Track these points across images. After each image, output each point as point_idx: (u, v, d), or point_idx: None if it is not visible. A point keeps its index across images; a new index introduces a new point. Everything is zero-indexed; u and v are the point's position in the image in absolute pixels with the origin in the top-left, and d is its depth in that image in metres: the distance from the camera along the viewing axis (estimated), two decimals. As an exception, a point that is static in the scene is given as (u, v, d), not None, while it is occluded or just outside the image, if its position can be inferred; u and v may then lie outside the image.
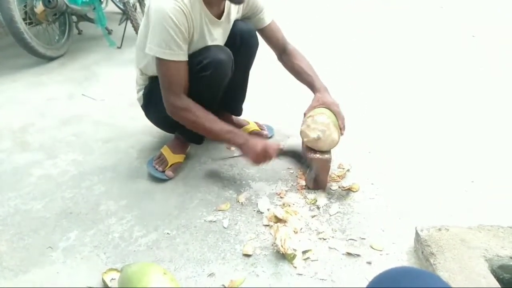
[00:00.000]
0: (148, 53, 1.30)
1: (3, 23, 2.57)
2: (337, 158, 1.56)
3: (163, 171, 1.52)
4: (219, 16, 1.38)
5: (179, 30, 1.23)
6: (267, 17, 1.53)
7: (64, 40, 3.08)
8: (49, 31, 3.01)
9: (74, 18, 3.29)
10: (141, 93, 1.55)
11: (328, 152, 1.40)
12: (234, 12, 1.45)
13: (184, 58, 1.29)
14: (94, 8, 3.07)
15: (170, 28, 1.21)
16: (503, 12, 3.87)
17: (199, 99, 1.37)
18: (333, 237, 1.22)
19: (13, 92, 2.41)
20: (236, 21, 1.48)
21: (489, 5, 4.17)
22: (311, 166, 1.38)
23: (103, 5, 3.33)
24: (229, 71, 1.40)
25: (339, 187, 1.44)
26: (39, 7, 2.74)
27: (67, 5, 2.73)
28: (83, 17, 3.27)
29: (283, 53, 1.59)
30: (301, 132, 1.42)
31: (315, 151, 1.40)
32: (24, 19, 2.69)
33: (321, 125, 1.36)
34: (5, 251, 1.22)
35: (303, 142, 1.47)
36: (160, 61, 1.28)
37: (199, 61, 1.32)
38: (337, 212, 1.32)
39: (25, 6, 2.77)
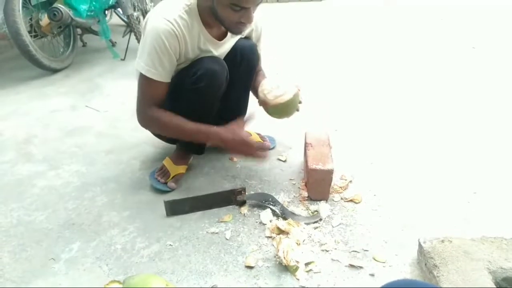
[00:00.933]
0: (135, 67, 1.34)
1: (9, 36, 2.61)
2: (339, 169, 1.57)
3: (165, 183, 1.52)
4: (220, 37, 1.40)
5: (168, 53, 1.27)
6: (260, 45, 1.61)
7: (69, 52, 3.13)
8: (53, 43, 3.05)
9: (79, 30, 3.34)
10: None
11: (330, 163, 1.40)
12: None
13: (166, 80, 1.34)
14: (99, 21, 3.11)
15: (159, 50, 1.25)
16: (503, 23, 3.90)
17: (195, 111, 1.39)
18: (335, 248, 1.22)
19: (17, 103, 2.43)
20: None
21: (489, 17, 4.21)
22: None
23: (107, 18, 3.39)
24: (223, 81, 1.41)
25: (341, 198, 1.44)
26: (45, 20, 2.79)
27: (72, 18, 2.77)
28: (87, 30, 3.32)
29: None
30: (261, 98, 1.41)
31: (317, 162, 1.40)
32: (30, 32, 2.73)
33: (272, 86, 1.39)
34: (7, 263, 1.22)
35: (305, 156, 1.47)
36: (142, 76, 1.32)
37: (194, 73, 1.33)
38: (340, 224, 1.32)
39: (30, 19, 2.81)
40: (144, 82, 1.33)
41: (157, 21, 1.25)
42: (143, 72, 1.31)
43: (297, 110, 1.47)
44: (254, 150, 1.36)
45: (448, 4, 4.89)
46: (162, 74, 1.31)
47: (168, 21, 1.24)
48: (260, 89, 1.41)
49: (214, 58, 1.38)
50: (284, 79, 1.43)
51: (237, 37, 1.49)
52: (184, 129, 1.35)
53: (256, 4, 1.23)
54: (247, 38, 1.55)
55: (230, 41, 1.46)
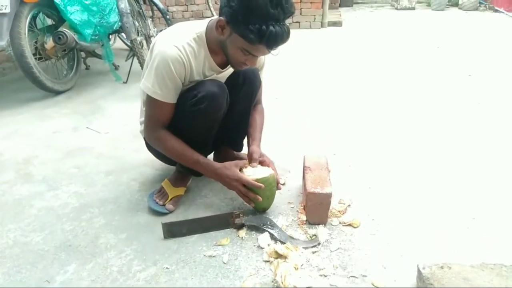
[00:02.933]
0: (141, 87, 1.39)
1: (14, 58, 2.67)
2: (338, 193, 1.57)
3: (164, 205, 1.52)
4: (223, 65, 1.45)
5: (174, 78, 1.32)
6: (263, 75, 1.64)
7: (72, 75, 3.18)
8: (57, 66, 3.11)
9: (83, 54, 3.41)
10: (143, 125, 1.59)
11: (328, 187, 1.40)
12: None
13: (172, 101, 1.38)
14: (102, 45, 3.18)
15: (166, 74, 1.30)
16: (499, 51, 3.98)
17: (195, 133, 1.42)
18: (334, 273, 1.20)
19: (19, 124, 2.46)
20: None
21: (485, 45, 4.30)
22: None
23: (111, 42, 3.47)
24: (223, 103, 1.44)
25: (340, 222, 1.44)
26: (49, 43, 2.85)
27: (76, 42, 2.83)
28: (91, 53, 3.39)
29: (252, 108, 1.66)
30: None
31: (315, 186, 1.40)
32: (34, 54, 2.79)
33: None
34: (1, 284, 1.20)
35: (303, 179, 1.48)
36: (150, 98, 1.37)
37: (194, 95, 1.36)
38: (338, 248, 1.31)
39: (36, 42, 2.88)
40: (151, 102, 1.38)
41: (166, 46, 1.29)
42: (149, 93, 1.35)
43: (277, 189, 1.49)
44: (242, 193, 1.42)
45: (444, 33, 5.01)
46: (167, 96, 1.35)
47: (176, 47, 1.29)
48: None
49: (214, 81, 1.41)
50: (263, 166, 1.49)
51: None
52: (185, 157, 1.42)
53: (264, 54, 1.29)
54: None
55: (232, 70, 1.50)
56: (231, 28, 1.23)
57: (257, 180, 1.39)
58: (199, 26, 1.36)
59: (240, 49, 1.25)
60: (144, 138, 1.57)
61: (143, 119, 1.58)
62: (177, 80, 1.33)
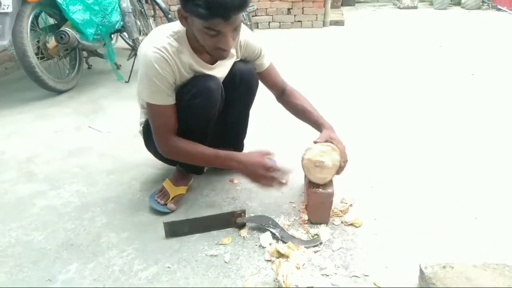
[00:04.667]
0: (138, 95, 1.37)
1: (16, 57, 2.67)
2: (340, 193, 1.56)
3: (165, 204, 1.52)
4: (212, 62, 1.41)
5: (163, 78, 1.29)
6: (266, 61, 1.57)
7: (74, 74, 3.18)
8: (59, 65, 3.11)
9: (85, 53, 3.41)
10: (142, 126, 1.58)
11: (330, 186, 1.40)
12: (231, 58, 1.47)
13: (171, 102, 1.35)
14: (104, 44, 3.18)
15: (154, 77, 1.28)
16: (501, 50, 3.97)
17: (191, 129, 1.40)
18: (336, 273, 1.20)
19: (21, 123, 2.46)
20: (235, 61, 1.51)
21: (487, 44, 4.28)
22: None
23: (113, 42, 3.47)
24: (218, 97, 1.41)
25: (341, 222, 1.43)
26: (52, 43, 2.85)
27: (78, 41, 2.84)
28: (93, 53, 3.39)
29: (282, 94, 1.61)
30: (304, 168, 1.39)
31: (317, 185, 1.40)
32: (37, 54, 2.79)
33: (320, 152, 1.36)
34: (3, 283, 1.20)
35: (305, 179, 1.47)
36: (149, 105, 1.34)
37: (188, 90, 1.35)
38: (340, 248, 1.31)
39: (38, 41, 2.88)
40: (152, 111, 1.35)
41: (147, 50, 1.28)
42: (148, 100, 1.33)
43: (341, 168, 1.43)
44: (272, 178, 1.33)
45: (446, 32, 4.99)
46: (164, 98, 1.32)
47: (157, 48, 1.27)
48: (309, 153, 1.38)
49: (208, 76, 1.39)
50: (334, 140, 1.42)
51: (231, 60, 1.49)
52: (205, 156, 1.36)
53: (231, 28, 1.19)
54: (247, 61, 1.55)
55: (223, 65, 1.46)
56: (187, 12, 1.18)
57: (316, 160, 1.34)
58: (177, 25, 1.32)
59: (202, 31, 1.18)
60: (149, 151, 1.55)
61: (143, 120, 1.58)
62: (167, 79, 1.30)
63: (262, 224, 1.39)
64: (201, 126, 1.44)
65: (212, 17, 1.12)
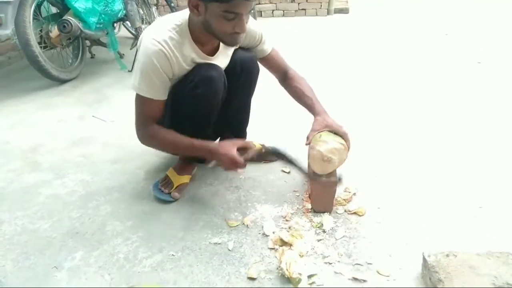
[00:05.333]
0: (131, 88, 1.35)
1: (19, 46, 2.67)
2: (343, 182, 1.56)
3: (169, 193, 1.53)
4: (212, 53, 1.41)
5: (160, 73, 1.29)
6: (267, 47, 1.57)
7: (77, 64, 3.17)
8: (62, 54, 3.11)
9: (88, 42, 3.39)
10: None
11: (333, 175, 1.40)
12: (231, 47, 1.47)
13: (161, 98, 1.35)
14: (107, 33, 3.17)
15: (151, 71, 1.28)
16: (508, 38, 3.91)
17: (193, 118, 1.41)
18: (339, 261, 1.21)
19: (25, 113, 2.47)
20: (236, 49, 1.50)
21: (494, 31, 4.22)
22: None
23: (115, 30, 3.45)
24: (221, 86, 1.41)
25: (345, 210, 1.44)
26: (54, 32, 2.84)
27: (81, 30, 2.82)
28: (96, 42, 3.37)
29: (285, 78, 1.61)
30: (312, 157, 1.38)
31: (321, 174, 1.40)
32: (39, 43, 2.78)
33: (333, 149, 1.34)
34: (10, 271, 1.22)
35: (309, 167, 1.47)
36: (137, 96, 1.34)
37: (191, 80, 1.35)
38: (343, 236, 1.31)
39: (40, 30, 2.87)
40: (138, 101, 1.36)
41: (148, 42, 1.27)
42: (136, 91, 1.33)
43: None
44: (235, 166, 1.35)
45: (453, 19, 4.92)
46: (155, 93, 1.33)
47: (158, 42, 1.26)
48: (316, 151, 1.36)
49: (210, 65, 1.39)
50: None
51: (231, 50, 1.48)
52: (180, 144, 1.38)
53: (248, 10, 1.22)
54: (247, 48, 1.55)
55: (223, 54, 1.46)
56: (201, 0, 1.20)
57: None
58: (181, 17, 1.32)
59: (221, 16, 1.20)
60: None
61: None
62: (163, 75, 1.30)
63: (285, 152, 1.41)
64: (204, 116, 1.44)
65: None
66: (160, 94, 1.34)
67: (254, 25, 1.49)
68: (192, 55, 1.35)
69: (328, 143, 1.35)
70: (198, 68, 1.37)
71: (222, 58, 1.46)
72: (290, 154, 1.62)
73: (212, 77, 1.36)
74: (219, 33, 1.26)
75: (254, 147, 1.43)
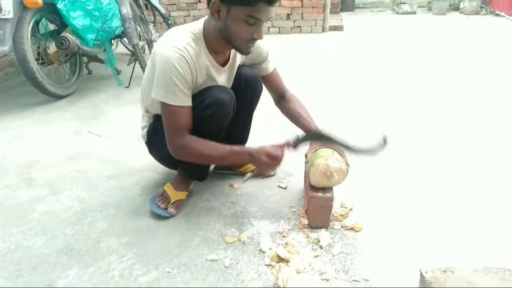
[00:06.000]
0: (154, 97, 1.34)
1: (17, 63, 2.68)
2: (340, 197, 1.57)
3: (166, 208, 1.52)
4: (223, 64, 1.44)
5: (183, 78, 1.29)
6: (270, 66, 1.60)
7: (74, 80, 3.19)
8: (60, 70, 3.12)
9: (85, 58, 3.42)
10: (145, 130, 1.59)
11: (330, 190, 1.40)
12: (238, 60, 1.51)
13: (188, 103, 1.34)
14: (105, 50, 3.20)
15: (174, 77, 1.27)
16: (500, 55, 3.98)
17: (202, 137, 1.40)
18: (336, 278, 1.20)
19: (21, 129, 2.47)
20: (240, 65, 1.53)
21: (486, 48, 4.30)
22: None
23: (113, 47, 3.48)
24: (230, 110, 1.43)
25: (342, 226, 1.44)
26: (52, 48, 2.86)
27: (79, 47, 2.84)
28: (93, 58, 3.40)
29: (282, 99, 1.64)
30: (312, 177, 1.39)
31: (317, 189, 1.40)
32: (37, 59, 2.81)
33: (330, 163, 1.36)
34: (3, 289, 1.20)
35: (306, 182, 1.48)
36: (165, 106, 1.32)
37: (201, 101, 1.36)
38: (340, 252, 1.31)
39: (38, 47, 2.90)
40: (167, 111, 1.33)
41: (168, 50, 1.28)
42: (164, 100, 1.31)
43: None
44: (280, 162, 1.36)
45: (444, 37, 5.02)
46: (183, 99, 1.31)
47: (178, 48, 1.27)
48: (314, 168, 1.37)
49: (222, 88, 1.41)
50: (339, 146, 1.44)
51: (237, 64, 1.51)
52: (219, 151, 1.36)
53: (267, 17, 1.25)
54: (251, 65, 1.57)
55: (231, 67, 1.49)
56: (226, 4, 1.22)
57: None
58: (195, 26, 1.35)
59: (243, 20, 1.22)
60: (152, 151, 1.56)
61: (145, 123, 1.58)
62: (187, 80, 1.30)
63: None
64: (211, 136, 1.44)
65: (258, 1, 1.18)
66: (187, 100, 1.33)
67: (262, 43, 1.53)
68: (207, 63, 1.37)
69: (331, 160, 1.37)
70: (210, 89, 1.38)
71: (230, 71, 1.49)
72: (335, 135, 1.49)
73: (223, 100, 1.37)
74: (236, 38, 1.28)
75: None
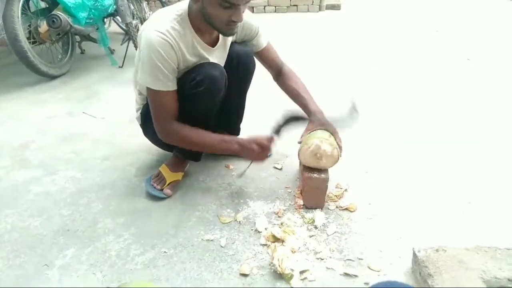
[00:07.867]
0: (139, 82, 1.35)
1: (7, 42, 2.62)
2: (335, 178, 1.57)
3: (161, 189, 1.52)
4: (212, 44, 1.41)
5: (167, 62, 1.28)
6: (263, 40, 1.57)
7: (67, 59, 3.14)
8: (52, 50, 3.07)
9: (77, 37, 3.36)
10: (139, 112, 1.57)
11: (325, 171, 1.41)
12: (230, 38, 1.48)
13: (173, 87, 1.34)
14: (97, 29, 3.13)
15: (157, 61, 1.26)
16: (498, 35, 3.95)
17: (194, 116, 1.40)
18: (330, 257, 1.22)
19: (14, 109, 2.44)
20: (233, 43, 1.51)
21: (483, 28, 4.27)
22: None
23: (106, 26, 3.41)
24: (222, 86, 1.42)
25: (336, 206, 1.45)
26: (43, 27, 2.80)
27: (71, 25, 2.79)
28: (86, 37, 3.34)
29: (279, 74, 1.61)
30: (301, 154, 1.41)
31: (312, 170, 1.41)
32: (28, 38, 2.74)
33: (323, 146, 1.36)
34: (0, 269, 1.21)
35: (300, 164, 1.48)
36: (150, 91, 1.33)
37: (193, 78, 1.34)
38: (335, 232, 1.32)
39: (29, 25, 2.83)
40: (153, 96, 1.34)
41: (150, 34, 1.26)
42: (149, 85, 1.31)
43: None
44: (268, 152, 1.41)
45: (443, 16, 4.96)
46: (167, 83, 1.31)
47: (161, 32, 1.25)
48: (305, 148, 1.38)
49: (213, 64, 1.39)
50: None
51: (229, 41, 1.49)
52: (208, 139, 1.39)
53: (245, 1, 1.22)
54: (244, 42, 1.55)
55: (223, 47, 1.47)
56: None
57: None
58: (180, 7, 1.32)
59: (217, 4, 1.20)
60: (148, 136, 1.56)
61: (139, 106, 1.57)
62: (171, 64, 1.29)
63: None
64: (204, 114, 1.44)
65: None
66: (171, 85, 1.33)
67: (251, 18, 1.50)
68: (194, 44, 1.35)
69: (325, 143, 1.37)
70: (201, 66, 1.37)
71: (222, 50, 1.47)
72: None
73: (214, 76, 1.36)
74: (215, 21, 1.26)
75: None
